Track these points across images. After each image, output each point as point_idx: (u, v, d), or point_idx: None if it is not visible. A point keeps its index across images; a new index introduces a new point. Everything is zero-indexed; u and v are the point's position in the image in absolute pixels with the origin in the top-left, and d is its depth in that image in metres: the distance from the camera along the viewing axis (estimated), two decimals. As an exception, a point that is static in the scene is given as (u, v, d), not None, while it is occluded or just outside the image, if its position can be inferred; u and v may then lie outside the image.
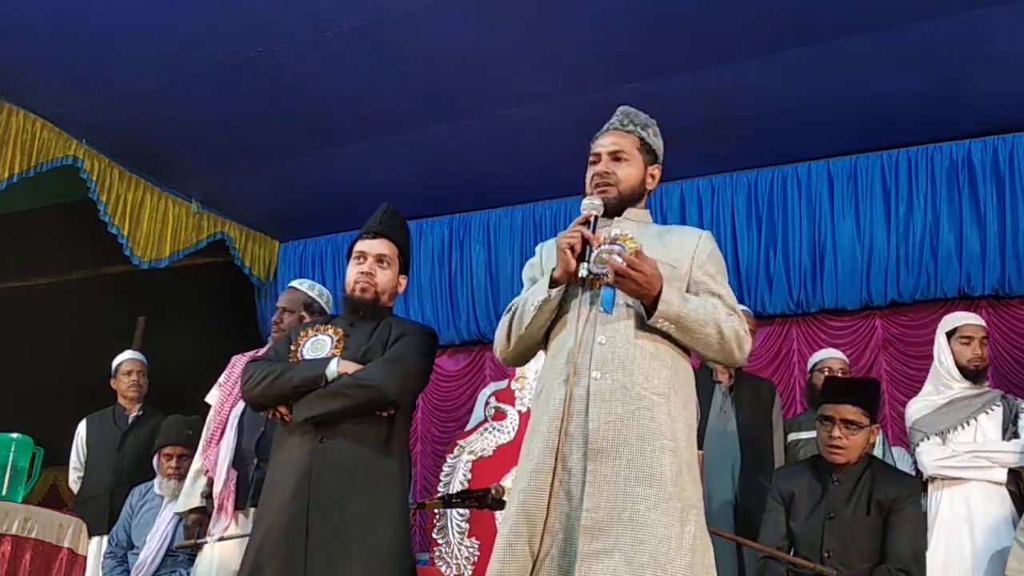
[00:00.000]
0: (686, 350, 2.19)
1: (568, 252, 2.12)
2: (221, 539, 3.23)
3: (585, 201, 2.23)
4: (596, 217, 2.18)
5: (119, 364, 4.89)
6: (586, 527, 1.94)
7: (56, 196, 6.17)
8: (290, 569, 2.36)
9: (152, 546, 3.95)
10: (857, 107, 4.82)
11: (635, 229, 2.26)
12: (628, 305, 2.13)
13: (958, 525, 3.38)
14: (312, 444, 2.48)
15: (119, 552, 4.15)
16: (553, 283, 2.16)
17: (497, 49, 4.40)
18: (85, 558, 3.95)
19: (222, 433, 3.45)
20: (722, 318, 2.14)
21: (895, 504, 2.86)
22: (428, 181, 5.76)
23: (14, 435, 3.92)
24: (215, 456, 3.42)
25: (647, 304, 2.09)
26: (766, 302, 5.49)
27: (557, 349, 2.19)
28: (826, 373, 4.11)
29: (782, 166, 5.47)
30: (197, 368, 4.38)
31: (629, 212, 2.32)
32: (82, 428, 4.85)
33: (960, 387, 3.54)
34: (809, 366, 4.37)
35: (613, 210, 2.29)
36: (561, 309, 2.20)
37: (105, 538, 4.34)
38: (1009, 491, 3.35)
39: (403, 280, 2.81)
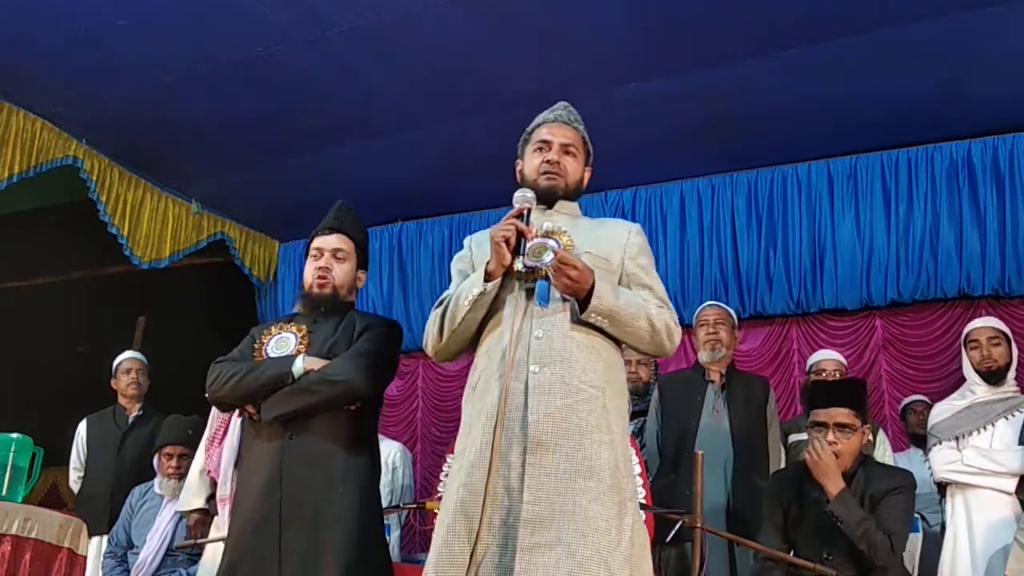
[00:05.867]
0: (618, 342, 2.20)
1: (503, 245, 2.11)
2: (224, 540, 3.22)
3: (517, 194, 2.21)
4: (529, 210, 2.18)
5: (119, 364, 4.89)
6: (527, 520, 1.93)
7: (56, 196, 6.17)
8: (264, 566, 2.37)
9: (152, 546, 3.95)
10: (857, 107, 4.82)
11: (567, 222, 2.28)
12: (563, 299, 2.13)
13: (962, 532, 3.38)
14: (281, 441, 2.48)
15: (119, 552, 4.14)
16: (488, 277, 2.14)
17: (497, 49, 4.40)
18: (85, 558, 3.95)
19: (224, 432, 3.44)
20: (653, 311, 2.16)
21: (885, 495, 2.86)
22: (428, 181, 5.76)
23: (14, 435, 3.92)
24: (218, 457, 3.40)
25: (580, 298, 2.10)
26: (766, 302, 5.49)
27: (492, 344, 2.16)
28: (822, 376, 4.11)
29: (782, 166, 5.47)
30: (197, 368, 4.36)
31: (561, 205, 2.33)
32: (82, 428, 4.85)
33: (983, 391, 3.52)
34: (807, 368, 4.38)
35: (545, 201, 2.30)
36: (494, 303, 2.18)
37: (105, 538, 4.33)
38: (1021, 501, 3.31)
39: (362, 275, 2.81)
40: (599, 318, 2.10)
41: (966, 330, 3.67)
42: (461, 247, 2.43)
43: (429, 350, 2.31)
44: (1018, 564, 3.01)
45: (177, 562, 3.95)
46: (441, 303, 2.27)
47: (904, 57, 4.36)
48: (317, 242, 2.75)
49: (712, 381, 3.87)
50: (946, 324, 5.21)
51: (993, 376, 3.51)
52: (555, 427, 2.00)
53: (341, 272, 2.73)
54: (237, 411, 2.67)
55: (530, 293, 2.15)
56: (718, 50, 4.37)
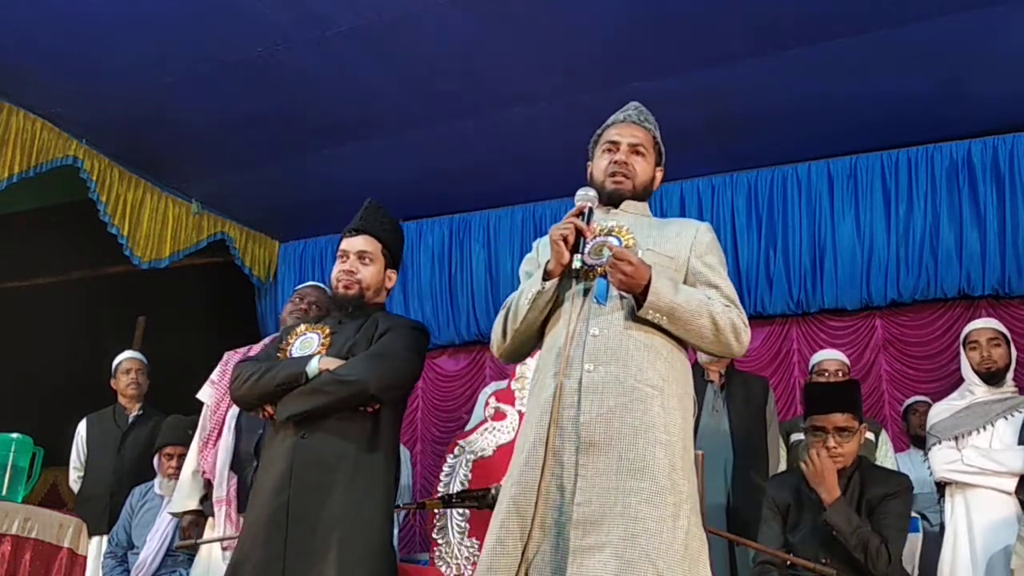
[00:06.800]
0: (682, 343, 2.15)
1: (561, 243, 2.09)
2: (221, 541, 3.21)
3: (579, 192, 2.19)
4: (590, 208, 2.15)
5: (119, 364, 4.90)
6: (577, 521, 1.90)
7: (56, 196, 6.17)
8: (268, 565, 2.37)
9: (152, 546, 3.95)
10: (857, 107, 4.82)
11: (631, 221, 2.24)
12: (622, 296, 2.09)
13: (962, 532, 3.38)
14: (294, 441, 2.49)
15: (119, 552, 4.15)
16: (547, 276, 2.12)
17: (497, 49, 4.41)
18: (85, 558, 3.95)
19: (219, 434, 3.42)
20: (717, 309, 2.10)
21: (883, 500, 2.87)
22: (428, 181, 5.76)
23: (14, 435, 3.92)
24: (213, 458, 3.38)
25: (637, 295, 2.06)
26: (766, 302, 5.49)
27: (551, 342, 2.14)
28: (825, 376, 4.11)
29: (782, 166, 5.47)
30: (197, 368, 4.36)
31: (627, 204, 2.30)
32: (82, 428, 4.86)
33: (982, 391, 3.51)
34: (809, 368, 4.38)
35: (612, 202, 2.28)
36: (556, 302, 2.16)
37: (105, 538, 4.34)
38: (1021, 501, 3.31)
39: (392, 275, 2.79)
40: (656, 315, 2.05)
41: (965, 331, 3.67)
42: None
43: (495, 351, 2.32)
44: (1022, 562, 3.02)
45: (177, 562, 3.95)
46: (506, 306, 2.27)
47: (904, 57, 4.36)
48: (343, 244, 2.75)
49: (711, 381, 3.87)
50: (946, 324, 5.21)
51: (993, 377, 3.51)
52: (607, 427, 1.97)
53: (367, 274, 2.71)
54: (260, 412, 2.67)
55: (589, 291, 2.13)
56: (718, 50, 4.37)
